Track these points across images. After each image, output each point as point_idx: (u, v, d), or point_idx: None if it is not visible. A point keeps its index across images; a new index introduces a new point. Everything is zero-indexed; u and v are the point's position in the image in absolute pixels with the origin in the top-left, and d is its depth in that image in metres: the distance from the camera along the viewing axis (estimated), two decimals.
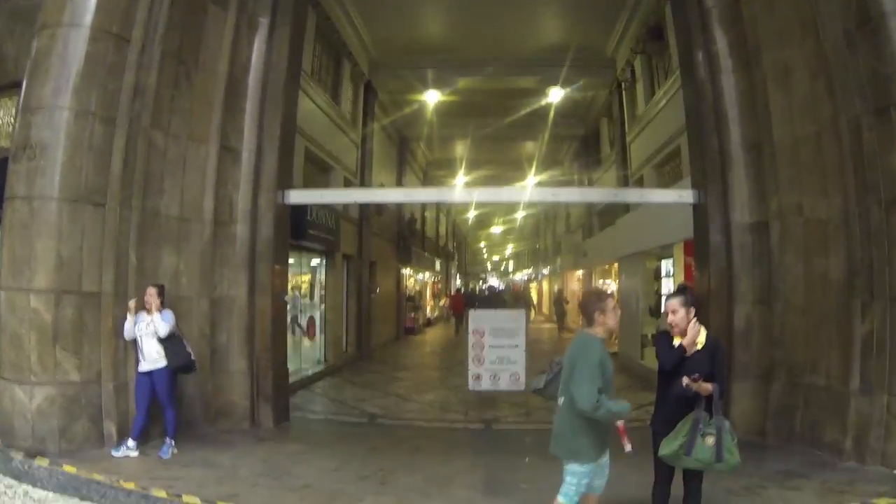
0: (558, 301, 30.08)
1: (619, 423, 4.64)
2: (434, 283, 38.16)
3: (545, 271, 42.73)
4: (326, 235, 14.53)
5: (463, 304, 25.84)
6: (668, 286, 13.23)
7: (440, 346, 24.19)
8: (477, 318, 10.44)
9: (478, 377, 10.30)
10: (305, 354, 14.60)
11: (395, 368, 16.83)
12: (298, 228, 12.17)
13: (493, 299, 30.91)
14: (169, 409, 7.34)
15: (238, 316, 8.86)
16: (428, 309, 34.85)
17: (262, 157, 9.14)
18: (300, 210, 12.01)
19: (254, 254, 9.02)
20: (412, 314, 27.91)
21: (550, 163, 29.56)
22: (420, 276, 32.61)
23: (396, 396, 12.38)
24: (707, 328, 4.93)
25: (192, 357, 7.49)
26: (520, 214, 42.26)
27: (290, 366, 11.26)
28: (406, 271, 27.06)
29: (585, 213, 25.92)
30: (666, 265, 13.65)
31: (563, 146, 28.67)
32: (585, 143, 25.94)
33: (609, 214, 21.04)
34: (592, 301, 4.63)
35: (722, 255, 8.59)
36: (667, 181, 14.99)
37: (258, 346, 9.04)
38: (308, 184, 13.63)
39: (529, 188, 10.58)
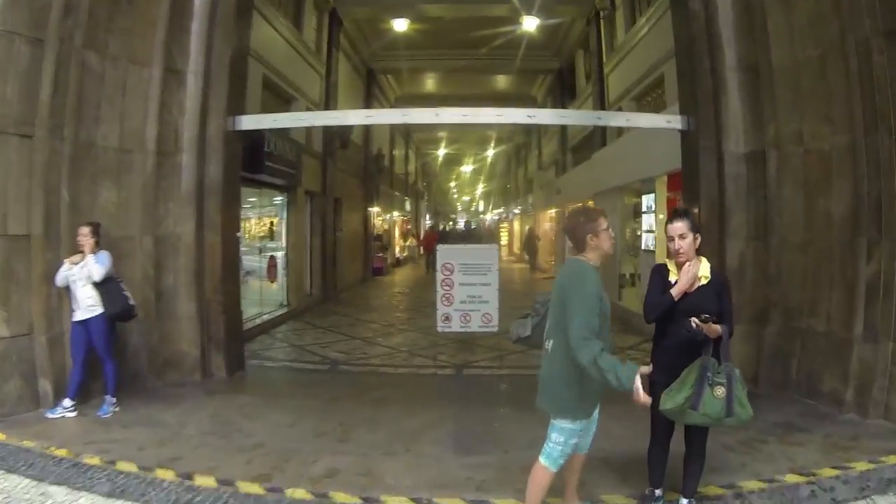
0: (530, 239, 29.84)
1: None
2: (403, 222, 37.58)
3: (517, 210, 42.28)
4: (287, 169, 13.75)
5: (435, 241, 25.14)
6: (648, 223, 12.66)
7: (409, 286, 23.71)
8: (446, 254, 9.93)
9: (447, 318, 9.90)
10: (266, 297, 13.94)
11: (362, 311, 16.25)
12: (255, 161, 11.38)
13: (468, 237, 30.49)
14: (108, 361, 6.65)
15: (185, 255, 8.10)
16: (397, 249, 34.22)
17: (211, 80, 8.28)
18: (257, 141, 11.19)
19: (202, 186, 8.23)
20: (380, 254, 27.27)
21: (524, 98, 28.86)
22: (388, 214, 31.88)
23: (362, 340, 11.81)
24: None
25: (131, 302, 6.77)
26: (490, 152, 41.62)
27: (249, 310, 10.62)
28: (374, 209, 26.27)
29: (559, 150, 25.40)
30: (647, 201, 13.04)
31: (536, 80, 28.09)
32: (560, 77, 25.23)
33: (584, 150, 20.54)
34: (581, 222, 3.91)
35: (713, 186, 7.88)
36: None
37: (208, 287, 8.31)
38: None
39: (504, 110, 9.80)
